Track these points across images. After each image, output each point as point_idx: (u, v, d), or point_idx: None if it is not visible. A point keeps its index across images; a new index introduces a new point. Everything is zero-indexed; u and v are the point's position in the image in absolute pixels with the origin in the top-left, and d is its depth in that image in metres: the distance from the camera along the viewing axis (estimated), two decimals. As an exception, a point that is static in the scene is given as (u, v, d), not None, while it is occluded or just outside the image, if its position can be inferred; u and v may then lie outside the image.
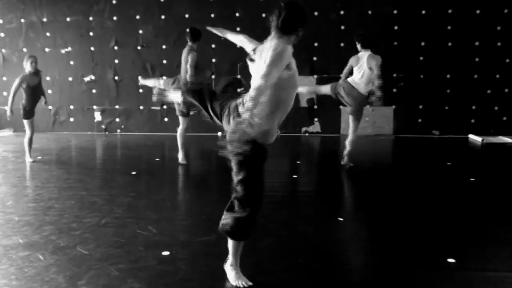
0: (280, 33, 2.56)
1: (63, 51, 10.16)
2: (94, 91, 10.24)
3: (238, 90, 9.84)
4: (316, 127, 9.93)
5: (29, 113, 6.84)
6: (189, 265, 3.15)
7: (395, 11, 9.42)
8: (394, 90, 9.67)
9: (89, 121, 10.34)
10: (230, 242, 2.87)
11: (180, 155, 6.60)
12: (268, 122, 2.63)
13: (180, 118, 6.51)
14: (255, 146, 2.62)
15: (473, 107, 9.62)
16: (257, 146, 2.64)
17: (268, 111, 2.60)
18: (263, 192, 2.81)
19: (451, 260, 3.19)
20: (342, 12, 9.53)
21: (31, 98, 6.81)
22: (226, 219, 2.82)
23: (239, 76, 9.85)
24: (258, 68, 2.53)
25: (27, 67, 6.73)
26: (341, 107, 9.71)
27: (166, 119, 10.17)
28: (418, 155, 7.64)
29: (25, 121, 6.82)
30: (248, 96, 2.46)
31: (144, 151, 8.06)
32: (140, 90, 10.09)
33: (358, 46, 6.13)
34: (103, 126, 10.31)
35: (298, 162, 7.34)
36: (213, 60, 9.77)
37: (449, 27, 9.41)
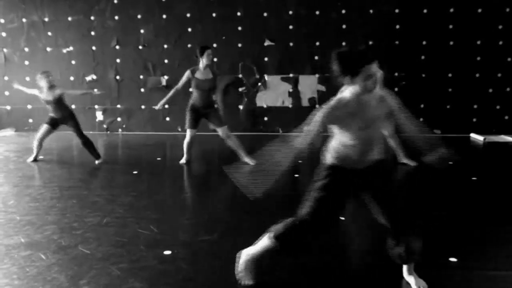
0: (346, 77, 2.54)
1: (64, 50, 10.17)
2: (95, 90, 10.24)
3: (240, 89, 9.85)
4: (317, 126, 9.92)
5: (48, 119, 6.82)
6: (190, 264, 3.15)
7: (396, 10, 9.41)
8: (396, 89, 9.66)
9: (90, 121, 10.34)
10: (266, 240, 2.80)
11: (184, 158, 6.64)
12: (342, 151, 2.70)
13: (188, 130, 6.51)
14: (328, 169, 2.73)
15: (475, 106, 9.61)
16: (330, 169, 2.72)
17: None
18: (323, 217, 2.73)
19: (453, 259, 3.19)
20: (343, 11, 9.52)
21: (52, 110, 6.77)
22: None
23: (240, 76, 9.85)
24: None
25: (42, 84, 6.65)
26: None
27: (167, 119, 10.18)
28: (420, 154, 7.62)
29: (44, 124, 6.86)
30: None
31: (145, 150, 8.07)
32: (142, 90, 10.11)
33: None
34: (104, 126, 10.32)
35: (300, 161, 7.33)
36: (215, 60, 9.76)
37: (450, 26, 9.39)
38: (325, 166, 2.75)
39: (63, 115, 6.77)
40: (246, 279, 2.82)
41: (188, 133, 6.53)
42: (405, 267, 2.88)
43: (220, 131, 6.47)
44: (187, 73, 6.37)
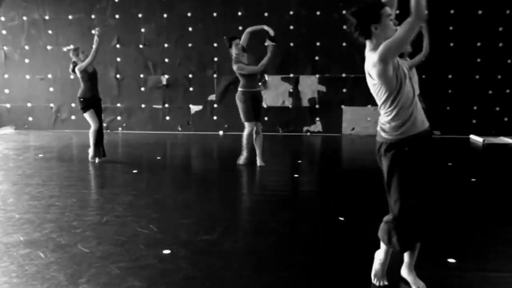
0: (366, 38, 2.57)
1: (65, 49, 10.15)
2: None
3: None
4: (317, 126, 9.93)
5: (84, 103, 6.57)
6: (190, 263, 3.15)
7: (397, 11, 9.39)
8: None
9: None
10: (382, 246, 2.79)
11: (243, 158, 6.47)
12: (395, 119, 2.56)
13: (245, 123, 6.32)
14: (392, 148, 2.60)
15: (475, 108, 9.61)
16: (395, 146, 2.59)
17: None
18: (415, 196, 2.64)
19: (451, 260, 3.19)
20: (344, 12, 9.52)
21: (90, 87, 6.56)
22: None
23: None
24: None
25: (80, 58, 6.61)
26: (342, 106, 9.70)
27: (167, 118, 10.17)
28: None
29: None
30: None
31: (145, 149, 8.07)
32: (142, 89, 10.11)
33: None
34: (104, 124, 10.30)
35: (300, 161, 7.34)
36: (215, 59, 9.77)
37: (451, 28, 9.39)
38: (390, 146, 2.60)
39: (97, 92, 6.61)
40: (381, 281, 2.83)
41: (247, 127, 6.29)
42: (405, 264, 2.87)
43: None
44: (240, 66, 6.10)
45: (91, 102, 6.58)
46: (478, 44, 9.38)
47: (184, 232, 3.78)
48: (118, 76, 10.14)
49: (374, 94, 2.63)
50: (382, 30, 2.52)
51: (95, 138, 6.59)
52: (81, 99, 6.57)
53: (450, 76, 9.55)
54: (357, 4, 2.63)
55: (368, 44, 2.59)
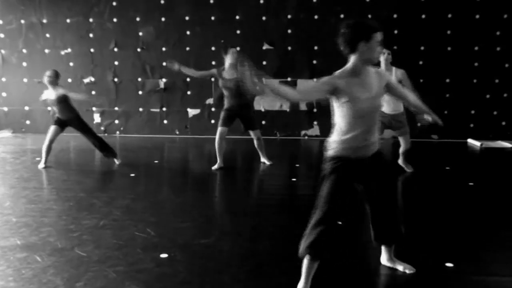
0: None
1: (62, 52, 10.16)
2: (93, 92, 10.23)
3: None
4: (315, 130, 9.93)
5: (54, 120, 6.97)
6: (188, 267, 3.14)
7: (395, 15, 9.43)
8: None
9: (88, 123, 10.30)
10: (304, 263, 2.83)
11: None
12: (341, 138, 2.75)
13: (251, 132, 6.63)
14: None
15: (472, 112, 9.63)
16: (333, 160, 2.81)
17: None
18: (330, 208, 2.79)
19: (449, 265, 3.19)
20: (342, 16, 9.55)
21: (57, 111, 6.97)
22: None
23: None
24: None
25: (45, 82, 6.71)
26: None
27: (165, 121, 10.17)
28: (417, 159, 7.63)
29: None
30: None
31: (143, 153, 8.06)
32: (140, 92, 10.10)
33: None
34: (102, 128, 10.30)
35: (297, 165, 7.34)
36: (213, 63, 9.77)
37: (448, 32, 9.42)
38: (329, 159, 2.81)
39: (68, 117, 6.72)
40: None
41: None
42: (385, 255, 3.08)
43: None
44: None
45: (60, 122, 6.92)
46: (476, 48, 9.42)
47: (181, 236, 3.77)
48: (116, 79, 10.14)
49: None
50: (367, 50, 2.60)
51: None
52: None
53: (447, 80, 9.57)
54: (355, 12, 2.74)
55: (352, 58, 2.69)
